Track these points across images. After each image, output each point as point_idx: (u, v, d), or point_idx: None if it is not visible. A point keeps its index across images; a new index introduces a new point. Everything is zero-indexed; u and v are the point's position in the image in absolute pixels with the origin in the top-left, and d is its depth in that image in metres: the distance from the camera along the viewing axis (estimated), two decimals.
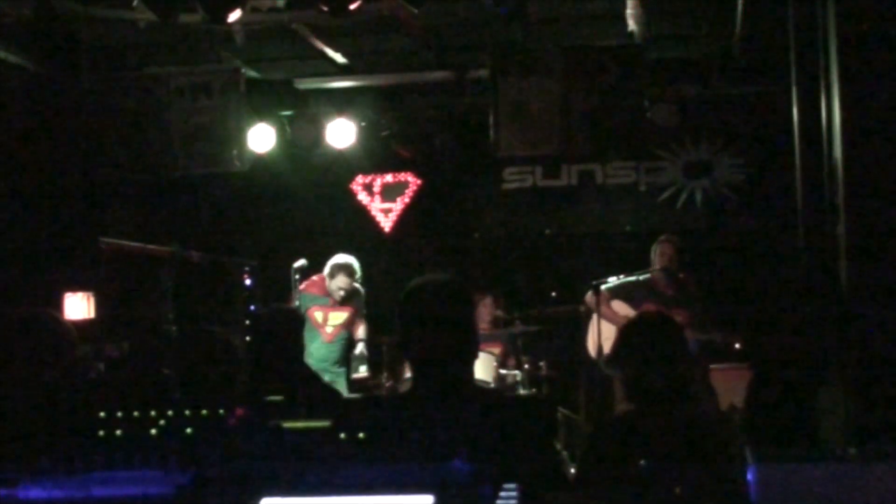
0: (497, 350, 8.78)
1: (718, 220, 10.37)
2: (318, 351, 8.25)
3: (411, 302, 3.25)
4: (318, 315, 8.45)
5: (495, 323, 9.14)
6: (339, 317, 8.51)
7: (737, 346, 7.94)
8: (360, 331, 8.65)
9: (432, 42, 9.26)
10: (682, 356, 3.74)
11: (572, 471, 4.00)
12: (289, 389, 4.90)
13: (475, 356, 3.55)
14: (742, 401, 8.75)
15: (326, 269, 8.55)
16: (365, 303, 8.72)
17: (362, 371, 8.56)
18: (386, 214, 10.99)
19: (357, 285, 8.62)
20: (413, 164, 10.91)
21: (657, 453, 3.27)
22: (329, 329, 8.43)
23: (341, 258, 8.55)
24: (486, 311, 9.10)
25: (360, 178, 11.02)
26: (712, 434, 3.71)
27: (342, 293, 8.50)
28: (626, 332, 3.84)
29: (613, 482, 3.01)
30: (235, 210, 10.83)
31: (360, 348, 8.56)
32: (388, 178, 11.01)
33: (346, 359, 8.55)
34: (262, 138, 9.66)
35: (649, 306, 7.71)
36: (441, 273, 3.42)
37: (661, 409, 3.64)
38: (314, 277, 8.66)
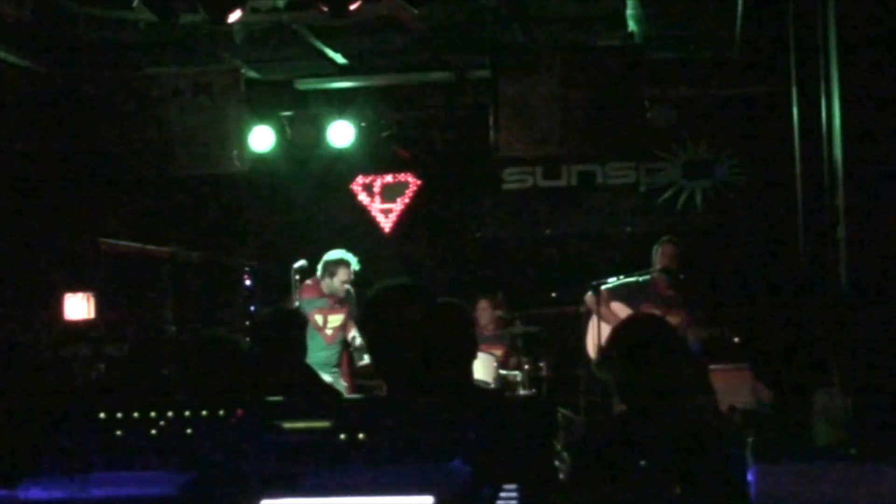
0: (498, 351, 8.77)
1: (718, 220, 10.36)
2: (318, 353, 8.22)
3: (373, 310, 3.27)
4: (318, 318, 8.42)
5: (497, 324, 9.12)
6: (337, 319, 8.48)
7: (736, 339, 7.93)
8: (353, 329, 8.61)
9: (432, 42, 9.26)
10: (674, 356, 3.72)
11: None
12: (290, 390, 4.90)
13: (472, 357, 3.56)
14: (742, 401, 8.76)
15: (321, 269, 8.51)
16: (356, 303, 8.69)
17: (367, 359, 8.50)
18: (386, 215, 10.98)
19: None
20: (413, 164, 10.90)
21: (651, 454, 3.26)
22: (329, 331, 8.41)
23: (336, 254, 8.49)
24: (488, 313, 9.09)
25: (360, 179, 11.01)
26: (707, 434, 3.70)
27: (347, 287, 8.45)
28: (616, 335, 3.83)
29: (608, 483, 3.01)
30: (235, 210, 10.82)
31: (359, 340, 8.51)
32: (388, 178, 11.00)
33: (341, 360, 8.52)
34: (261, 139, 9.68)
35: (649, 307, 7.70)
36: (400, 278, 3.42)
37: (653, 410, 3.64)
38: (308, 282, 8.62)
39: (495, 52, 9.03)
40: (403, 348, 3.19)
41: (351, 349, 8.50)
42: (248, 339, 8.75)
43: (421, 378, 3.19)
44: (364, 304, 3.42)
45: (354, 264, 8.48)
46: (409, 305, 3.22)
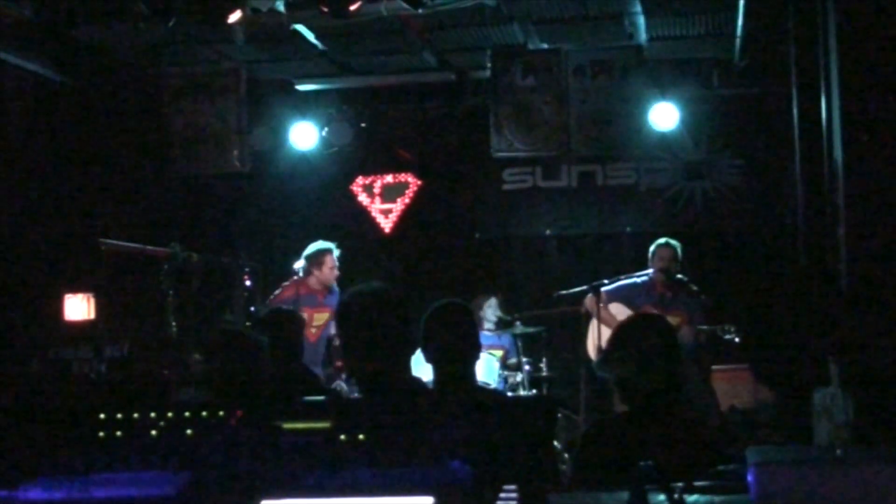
0: (498, 351, 8.77)
1: (718, 220, 10.35)
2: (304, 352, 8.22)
3: (346, 314, 3.28)
4: (304, 316, 8.41)
5: (498, 324, 9.12)
6: (322, 317, 8.46)
7: (736, 339, 7.93)
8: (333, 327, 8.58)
9: (433, 43, 9.26)
10: (675, 357, 3.73)
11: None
12: (288, 390, 4.89)
13: (475, 357, 3.55)
14: (742, 401, 8.76)
15: (305, 266, 8.50)
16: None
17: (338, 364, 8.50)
18: (386, 215, 10.98)
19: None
20: (413, 164, 10.90)
21: (651, 454, 3.26)
22: (314, 329, 8.38)
23: (315, 246, 8.51)
24: (490, 313, 9.08)
25: (360, 180, 11.00)
26: (707, 434, 3.71)
27: (337, 273, 8.46)
28: (618, 335, 3.83)
29: (608, 483, 3.01)
30: (235, 210, 10.82)
31: (337, 341, 8.47)
32: (389, 178, 11.00)
33: (324, 360, 8.49)
34: (261, 138, 9.69)
35: (648, 308, 7.71)
36: (374, 282, 3.43)
37: (654, 410, 3.64)
38: (285, 283, 8.61)
39: (495, 52, 9.03)
40: (374, 351, 3.20)
41: (331, 348, 8.47)
42: None
43: (390, 381, 3.19)
44: (338, 307, 3.43)
45: (335, 250, 8.50)
46: (382, 310, 3.23)
